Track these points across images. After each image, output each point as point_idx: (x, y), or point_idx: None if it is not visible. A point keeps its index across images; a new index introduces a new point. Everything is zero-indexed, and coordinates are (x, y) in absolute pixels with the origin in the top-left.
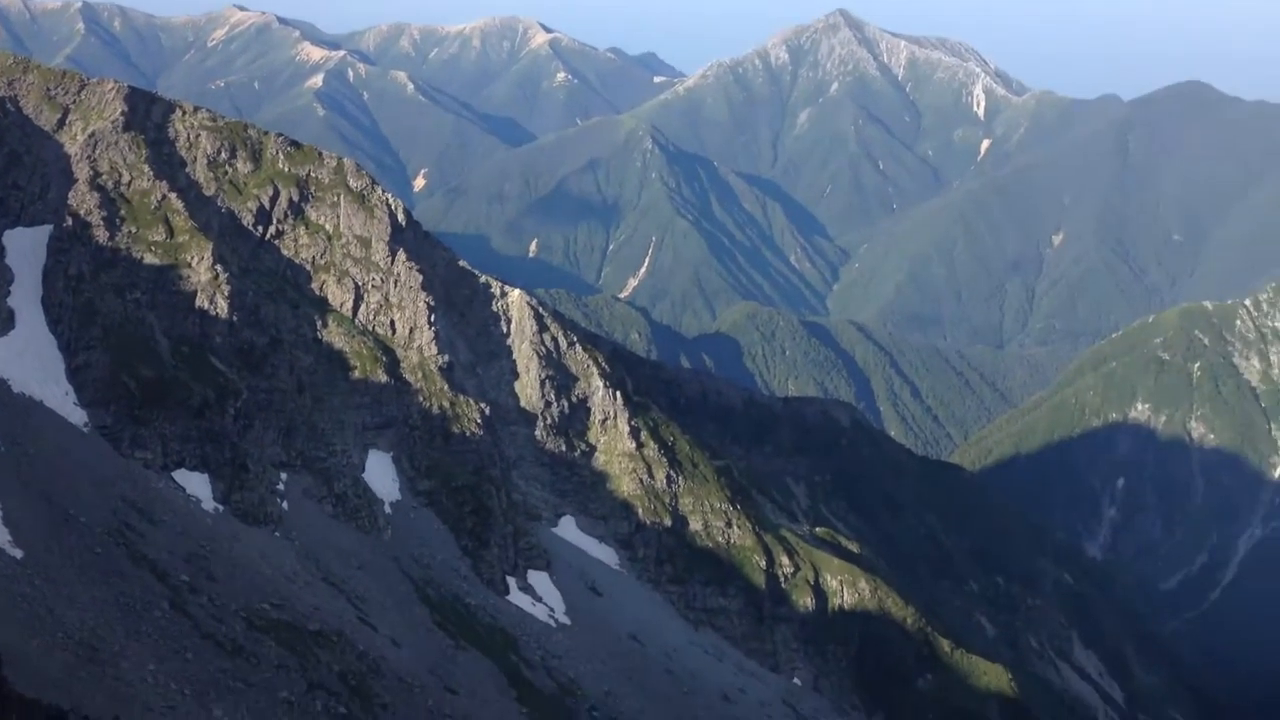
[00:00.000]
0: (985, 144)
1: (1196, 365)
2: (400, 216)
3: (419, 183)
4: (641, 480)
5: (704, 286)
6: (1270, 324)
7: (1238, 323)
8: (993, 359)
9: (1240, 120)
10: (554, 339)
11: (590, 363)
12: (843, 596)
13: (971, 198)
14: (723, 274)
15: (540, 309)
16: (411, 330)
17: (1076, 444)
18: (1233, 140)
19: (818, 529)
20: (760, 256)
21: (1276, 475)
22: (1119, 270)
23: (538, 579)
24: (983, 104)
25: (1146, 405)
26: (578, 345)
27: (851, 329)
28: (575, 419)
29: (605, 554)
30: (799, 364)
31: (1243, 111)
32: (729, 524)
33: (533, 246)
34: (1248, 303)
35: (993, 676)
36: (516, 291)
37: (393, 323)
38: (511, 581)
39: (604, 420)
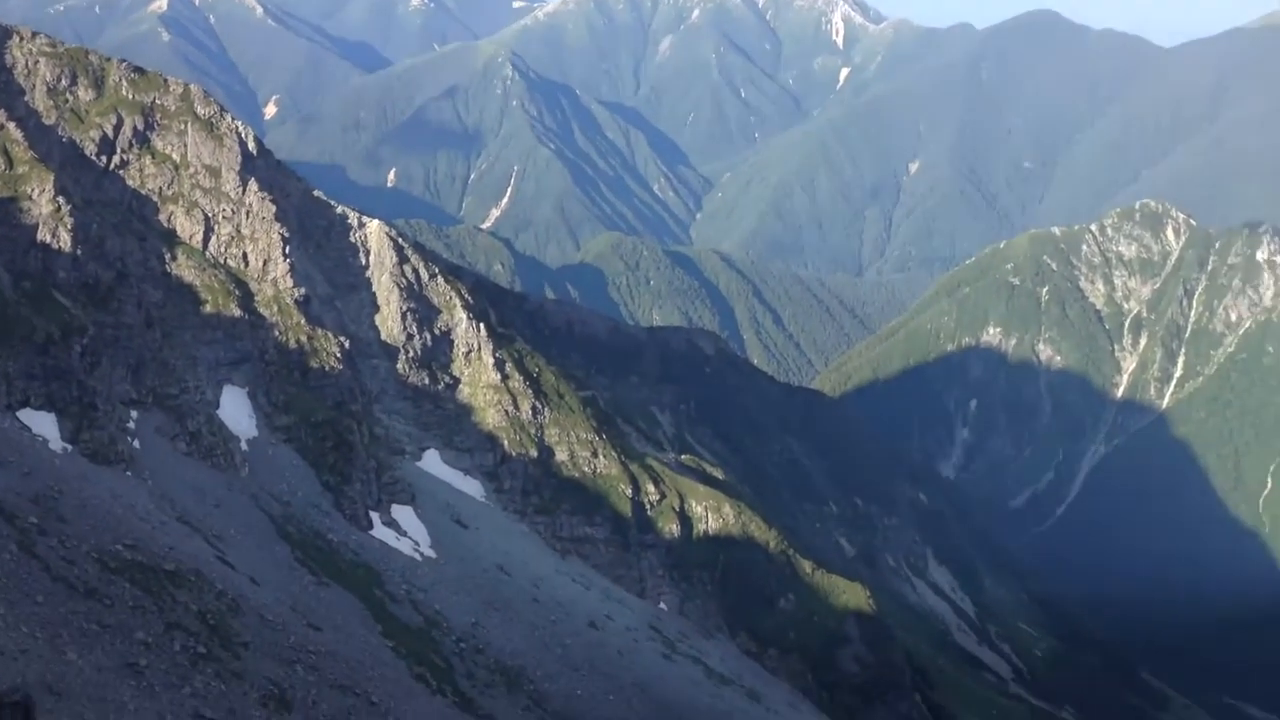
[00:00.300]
0: (844, 72)
1: (1045, 290)
2: (251, 145)
3: (270, 110)
4: (507, 412)
5: (567, 216)
6: (1114, 248)
7: (1084, 248)
8: (852, 286)
9: (1088, 49)
10: (415, 271)
11: (453, 294)
12: (707, 522)
13: (831, 126)
14: (586, 204)
15: (400, 240)
16: (265, 262)
17: (932, 368)
18: (1081, 68)
19: (683, 456)
20: (624, 186)
21: (1119, 395)
22: (972, 197)
23: (402, 513)
24: (841, 32)
25: (998, 329)
26: (439, 277)
27: (715, 258)
28: (438, 351)
29: (471, 486)
30: (663, 293)
31: (1090, 40)
32: (595, 454)
33: (391, 176)
34: (1093, 228)
35: (851, 595)
36: (375, 222)
37: (245, 255)
38: (375, 516)
39: (468, 352)
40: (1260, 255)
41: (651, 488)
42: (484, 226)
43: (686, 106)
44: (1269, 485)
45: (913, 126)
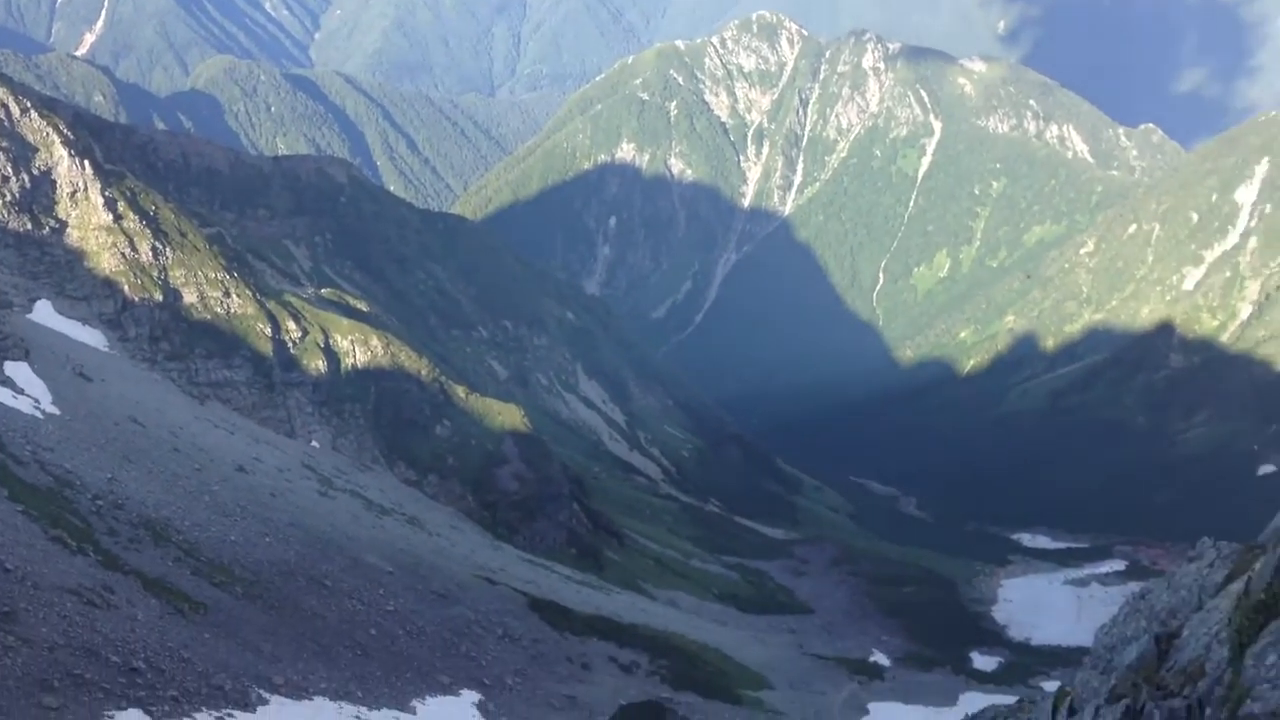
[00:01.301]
0: None
1: (673, 104)
2: None
3: None
4: (124, 255)
5: (172, 40)
6: (735, 61)
7: (707, 61)
8: (485, 106)
9: None
10: (3, 105)
11: (49, 130)
12: (355, 356)
13: None
14: (192, 25)
15: None
16: None
17: (570, 187)
18: None
19: (324, 291)
20: (232, 4)
21: (746, 204)
22: (598, 11)
23: (16, 370)
24: None
25: (631, 145)
26: (33, 111)
27: (339, 80)
28: (39, 194)
29: (91, 336)
30: (286, 120)
31: None
32: (227, 294)
33: None
34: (714, 41)
35: (506, 415)
36: None
37: None
38: None
39: (73, 193)
40: (866, 63)
41: (292, 325)
42: (78, 54)
43: None
44: (880, 280)
45: None
